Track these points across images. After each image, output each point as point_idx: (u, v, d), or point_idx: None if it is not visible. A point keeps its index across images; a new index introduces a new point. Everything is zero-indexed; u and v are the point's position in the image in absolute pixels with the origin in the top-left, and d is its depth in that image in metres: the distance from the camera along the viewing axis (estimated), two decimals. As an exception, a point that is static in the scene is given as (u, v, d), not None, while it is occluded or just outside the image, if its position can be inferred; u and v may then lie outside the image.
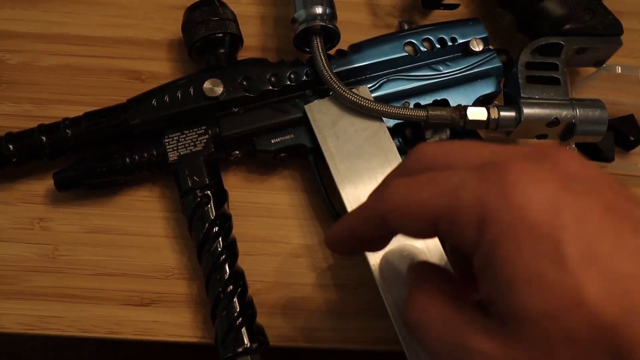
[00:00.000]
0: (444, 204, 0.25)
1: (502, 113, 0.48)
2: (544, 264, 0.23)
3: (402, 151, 0.51)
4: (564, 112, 0.48)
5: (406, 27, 0.54)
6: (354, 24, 0.58)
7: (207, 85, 0.49)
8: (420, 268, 0.31)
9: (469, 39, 0.52)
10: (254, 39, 0.56)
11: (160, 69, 0.55)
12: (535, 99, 0.49)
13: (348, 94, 0.47)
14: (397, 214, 0.27)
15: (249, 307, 0.45)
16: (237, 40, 0.52)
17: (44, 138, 0.48)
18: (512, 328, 0.24)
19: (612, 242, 0.23)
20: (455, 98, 0.52)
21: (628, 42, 0.58)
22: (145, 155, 0.48)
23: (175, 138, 0.48)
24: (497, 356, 0.24)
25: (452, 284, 0.29)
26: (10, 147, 0.47)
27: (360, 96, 0.47)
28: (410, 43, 0.52)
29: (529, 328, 0.23)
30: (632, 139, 0.55)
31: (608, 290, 0.22)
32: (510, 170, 0.24)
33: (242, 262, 0.47)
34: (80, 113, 0.50)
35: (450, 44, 0.52)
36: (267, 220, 0.51)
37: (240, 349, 0.43)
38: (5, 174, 0.50)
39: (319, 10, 0.49)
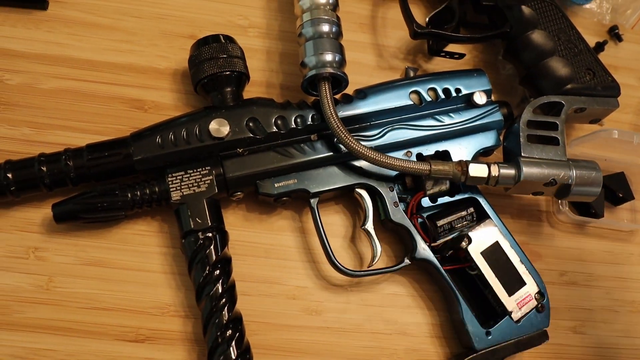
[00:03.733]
0: None
1: (502, 171, 0.49)
2: None
3: (401, 199, 0.52)
4: (562, 174, 0.50)
5: (412, 74, 0.55)
6: (359, 64, 0.58)
7: (213, 125, 0.48)
8: None
9: (473, 91, 0.53)
10: (259, 73, 0.56)
11: (163, 99, 0.54)
12: (535, 158, 0.50)
13: (354, 144, 0.48)
14: None
15: (246, 353, 0.46)
16: (244, 78, 0.52)
17: (44, 168, 0.47)
18: None
19: None
20: (456, 149, 0.53)
21: (622, 97, 0.59)
22: (148, 192, 0.48)
23: (178, 177, 0.48)
24: None
25: None
26: (9, 175, 0.46)
27: (365, 147, 0.48)
28: (416, 92, 0.52)
29: None
30: (620, 195, 0.57)
31: None
32: None
33: (239, 302, 0.48)
34: (81, 140, 0.49)
35: (455, 94, 0.53)
36: (265, 261, 0.51)
37: (236, 396, 0.43)
38: (2, 201, 0.49)
39: (329, 57, 0.49)
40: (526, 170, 0.49)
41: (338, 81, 0.51)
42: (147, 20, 0.56)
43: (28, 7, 0.54)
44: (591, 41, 0.63)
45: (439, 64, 0.59)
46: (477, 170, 0.49)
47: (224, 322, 0.45)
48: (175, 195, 0.48)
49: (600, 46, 0.62)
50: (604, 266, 0.57)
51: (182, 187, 0.48)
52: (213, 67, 0.50)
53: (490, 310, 0.51)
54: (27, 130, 0.52)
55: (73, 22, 0.55)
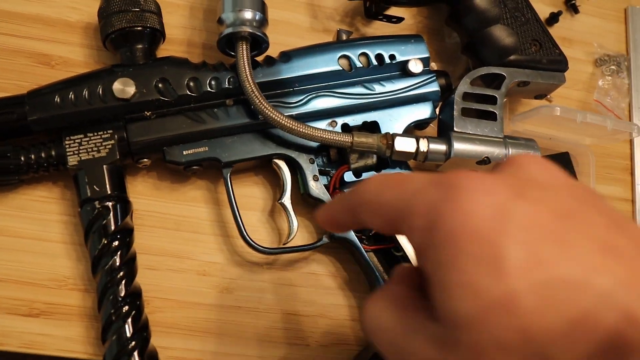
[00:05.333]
0: (401, 206, 0.26)
1: (432, 146, 0.46)
2: (479, 270, 0.22)
3: (324, 172, 0.48)
4: (496, 151, 0.46)
5: (344, 38, 0.51)
6: (290, 24, 0.54)
7: (117, 85, 0.44)
8: (399, 270, 0.31)
9: (409, 58, 0.49)
10: (180, 30, 0.52)
11: (73, 55, 0.50)
12: (469, 134, 0.47)
13: (270, 111, 0.44)
14: (364, 208, 0.29)
15: (143, 330, 0.42)
16: (158, 35, 0.47)
17: None
18: (448, 333, 0.24)
19: (557, 248, 0.22)
20: (387, 121, 0.49)
21: (573, 73, 0.56)
22: (43, 155, 0.44)
23: (77, 141, 0.44)
24: None
25: (414, 289, 0.28)
26: None
27: (282, 115, 0.44)
28: (346, 57, 0.48)
29: (461, 333, 0.23)
30: (564, 176, 0.54)
31: (546, 298, 0.22)
32: (463, 179, 0.25)
33: (143, 277, 0.45)
34: (-23, 97, 0.45)
35: (389, 61, 0.49)
36: (175, 234, 0.48)
37: (128, 376, 0.40)
38: None
39: (248, 15, 0.45)
40: (457, 146, 0.46)
41: (258, 42, 0.47)
42: (59, -33, 0.51)
43: None
44: (546, 11, 0.59)
45: (378, 29, 0.55)
46: (404, 144, 0.45)
47: (120, 297, 0.42)
48: (72, 160, 0.44)
49: (554, 17, 0.58)
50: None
51: (81, 151, 0.44)
52: (122, 21, 0.45)
53: (414, 294, 0.48)
54: None
55: (-25, -35, 0.50)
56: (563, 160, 0.54)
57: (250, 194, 0.50)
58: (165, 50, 0.49)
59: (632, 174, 0.57)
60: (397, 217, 0.27)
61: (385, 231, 0.29)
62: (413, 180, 0.27)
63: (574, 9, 0.60)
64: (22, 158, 0.44)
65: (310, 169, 0.47)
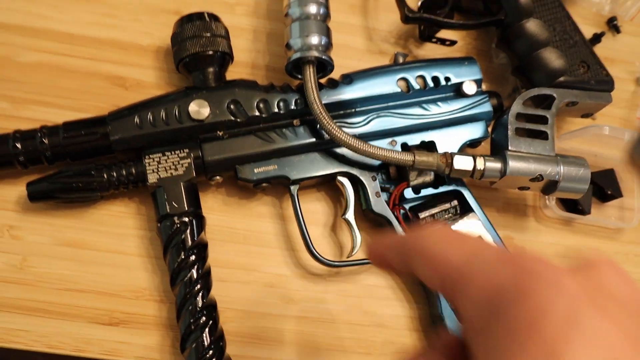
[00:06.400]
0: (463, 269, 0.25)
1: (488, 165, 0.48)
2: None
3: (384, 189, 0.51)
4: (549, 170, 0.49)
5: (401, 60, 0.53)
6: (348, 47, 0.56)
7: (193, 107, 0.47)
8: (440, 338, 0.29)
9: (463, 80, 0.52)
10: (245, 53, 0.55)
11: (145, 77, 0.53)
12: (523, 152, 0.49)
13: (337, 131, 0.46)
14: (419, 256, 0.27)
15: (219, 340, 0.45)
16: (227, 58, 0.50)
17: (19, 146, 0.46)
18: None
19: None
20: (443, 140, 0.51)
21: (616, 91, 0.58)
22: (124, 173, 0.47)
23: (156, 159, 0.47)
24: None
25: None
26: (-17, 152, 0.45)
27: (348, 135, 0.46)
28: (404, 79, 0.51)
29: None
30: (609, 193, 0.56)
31: None
32: (538, 267, 0.23)
33: (215, 288, 0.47)
34: (59, 116, 0.48)
35: (444, 83, 0.51)
36: (243, 247, 0.50)
37: (208, 383, 0.43)
38: (-24, 177, 0.48)
39: (314, 40, 0.47)
40: (512, 164, 0.48)
41: (323, 65, 0.49)
42: (131, -6, 0.54)
43: (8, -24, 0.53)
44: (589, 32, 0.61)
45: (430, 50, 0.58)
46: (462, 162, 0.48)
47: (198, 308, 0.45)
48: (151, 178, 0.47)
49: (597, 38, 0.60)
50: (589, 263, 0.56)
51: (159, 169, 0.47)
52: (195, 46, 0.48)
53: (470, 305, 0.50)
54: (4, 104, 0.50)
55: (55, -6, 0.53)
56: (608, 177, 0.56)
57: (313, 210, 0.52)
58: (232, 72, 0.52)
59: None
60: (453, 278, 0.25)
61: (433, 286, 0.27)
62: (482, 248, 0.26)
63: (615, 29, 0.62)
64: (105, 175, 0.46)
65: (372, 186, 0.50)
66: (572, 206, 0.55)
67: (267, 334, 0.49)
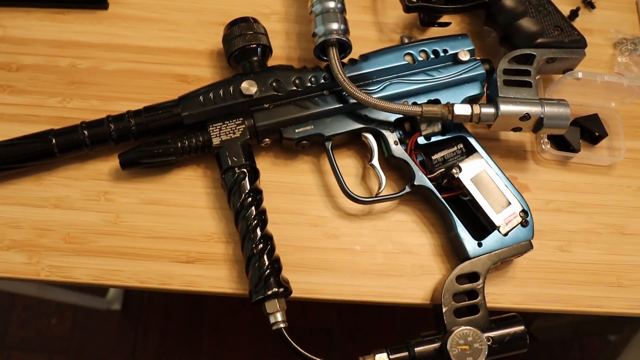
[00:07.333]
0: None
1: (483, 109, 0.59)
2: None
3: (402, 141, 0.62)
4: (534, 109, 0.59)
5: (406, 41, 0.66)
6: (364, 39, 0.69)
7: (244, 85, 0.60)
8: None
9: (458, 51, 0.64)
10: (281, 50, 0.68)
11: (203, 74, 0.66)
12: (511, 98, 0.60)
13: (358, 92, 0.58)
14: None
15: (276, 262, 0.56)
16: (267, 50, 0.63)
17: (112, 126, 0.59)
18: None
19: None
20: (445, 98, 0.63)
21: (596, 55, 0.70)
22: (194, 140, 0.59)
23: (218, 127, 0.59)
24: None
25: None
26: (85, 132, 0.59)
27: (367, 94, 0.58)
28: (409, 54, 0.63)
29: None
30: (597, 134, 0.66)
31: None
32: None
33: (271, 229, 0.58)
34: (138, 108, 0.61)
35: (442, 54, 0.63)
36: (290, 197, 0.62)
37: (269, 292, 0.53)
38: (77, 157, 0.61)
39: (334, 26, 0.60)
40: (503, 107, 0.59)
41: (344, 47, 0.62)
42: (188, 13, 0.69)
43: (92, 8, 0.68)
44: (566, 10, 0.73)
45: (431, 33, 0.70)
46: (462, 109, 0.59)
47: (257, 238, 0.56)
48: (215, 141, 0.59)
49: (574, 13, 0.72)
50: (586, 195, 0.65)
51: (221, 134, 0.59)
52: (242, 41, 0.62)
53: (482, 230, 0.60)
54: (96, 102, 0.64)
55: (129, 18, 0.68)
56: (593, 120, 0.66)
57: (345, 165, 0.63)
58: (272, 64, 0.64)
59: (660, 131, 0.68)
60: None
61: None
62: None
63: (590, 5, 0.73)
64: (179, 143, 0.59)
65: (391, 137, 0.61)
66: (565, 146, 0.65)
67: (314, 263, 0.59)
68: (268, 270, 0.55)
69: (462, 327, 0.54)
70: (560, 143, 0.66)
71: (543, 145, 0.65)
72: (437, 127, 0.62)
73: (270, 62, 0.64)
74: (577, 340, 1.42)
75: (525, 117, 0.59)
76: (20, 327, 1.34)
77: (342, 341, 1.37)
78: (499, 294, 0.60)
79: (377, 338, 1.37)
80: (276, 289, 0.54)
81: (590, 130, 0.66)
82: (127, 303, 1.37)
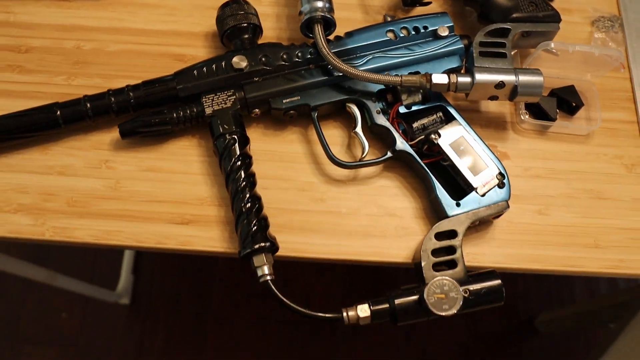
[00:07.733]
0: None
1: (459, 78, 0.62)
2: None
3: (384, 112, 0.65)
4: (508, 78, 0.62)
5: (389, 19, 0.69)
6: (349, 19, 0.73)
7: (235, 60, 0.64)
8: None
9: (438, 27, 0.67)
10: (271, 31, 0.72)
11: (198, 53, 0.71)
12: (486, 67, 0.63)
13: (341, 64, 0.62)
14: None
15: (263, 219, 0.59)
16: (258, 29, 0.68)
17: (112, 99, 0.63)
18: None
19: None
20: (426, 71, 0.66)
21: (574, 33, 0.73)
22: (188, 111, 0.63)
23: (210, 98, 0.63)
24: None
25: None
26: (88, 105, 0.63)
27: (350, 66, 0.62)
28: (391, 30, 0.67)
29: None
30: (573, 104, 0.69)
31: None
32: None
33: (261, 194, 0.62)
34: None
35: (423, 30, 0.67)
36: (279, 164, 0.65)
37: (256, 247, 0.57)
38: (81, 128, 0.65)
39: (319, 4, 0.64)
40: (479, 76, 0.62)
41: (329, 24, 0.66)
42: (185, -2, 0.74)
43: (98, -4, 0.73)
44: (543, -8, 0.76)
45: (413, 14, 0.74)
46: (439, 78, 0.62)
47: (246, 198, 0.59)
48: (208, 110, 0.63)
49: (552, -6, 0.75)
50: (565, 163, 0.68)
51: (214, 104, 0.63)
52: (233, 21, 0.66)
53: (461, 192, 0.63)
54: (99, 80, 0.69)
55: (129, 3, 0.73)
56: (569, 92, 0.69)
57: (331, 134, 0.67)
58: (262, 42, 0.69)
59: (635, 101, 0.71)
60: None
61: None
62: None
63: (567, -13, 0.77)
64: (174, 114, 0.63)
65: (373, 106, 0.65)
66: (542, 115, 0.68)
67: (302, 225, 0.63)
68: (255, 227, 0.58)
69: (439, 277, 0.57)
70: (538, 113, 0.69)
71: (522, 116, 0.68)
72: (418, 97, 0.66)
73: (261, 42, 0.69)
74: (582, 332, 1.43)
75: (500, 84, 0.62)
76: (31, 321, 1.38)
77: (347, 336, 1.39)
78: (479, 253, 0.63)
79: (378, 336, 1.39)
80: (263, 244, 0.57)
81: (567, 100, 0.69)
82: (136, 298, 1.41)
